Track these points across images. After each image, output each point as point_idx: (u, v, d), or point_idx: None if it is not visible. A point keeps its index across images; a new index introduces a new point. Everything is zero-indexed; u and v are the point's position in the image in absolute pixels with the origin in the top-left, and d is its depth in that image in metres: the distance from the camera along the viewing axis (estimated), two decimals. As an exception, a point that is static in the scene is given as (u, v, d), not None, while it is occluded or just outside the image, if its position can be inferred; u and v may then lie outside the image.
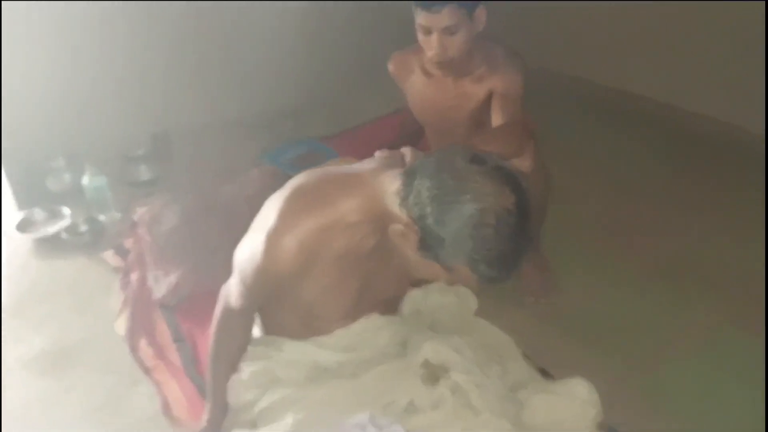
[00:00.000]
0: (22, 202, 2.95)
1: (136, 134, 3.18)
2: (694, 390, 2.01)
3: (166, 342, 2.15)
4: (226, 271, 1.53)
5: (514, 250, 1.26)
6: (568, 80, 3.76)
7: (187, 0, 3.10)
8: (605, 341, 2.15)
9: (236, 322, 1.58)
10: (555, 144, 2.43)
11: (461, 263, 1.27)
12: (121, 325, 2.25)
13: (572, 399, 1.58)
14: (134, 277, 2.40)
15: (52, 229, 2.76)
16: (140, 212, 2.62)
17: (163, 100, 3.18)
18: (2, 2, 2.69)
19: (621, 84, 3.63)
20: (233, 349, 1.62)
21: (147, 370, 2.07)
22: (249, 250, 1.43)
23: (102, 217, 2.80)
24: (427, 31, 2.06)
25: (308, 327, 1.59)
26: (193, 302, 2.23)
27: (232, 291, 1.53)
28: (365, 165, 1.49)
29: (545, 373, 1.81)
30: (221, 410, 1.66)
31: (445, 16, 2.00)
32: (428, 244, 1.28)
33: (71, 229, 2.75)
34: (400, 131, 2.66)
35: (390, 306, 1.71)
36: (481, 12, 2.06)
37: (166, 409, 1.95)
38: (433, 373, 1.55)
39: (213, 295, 1.60)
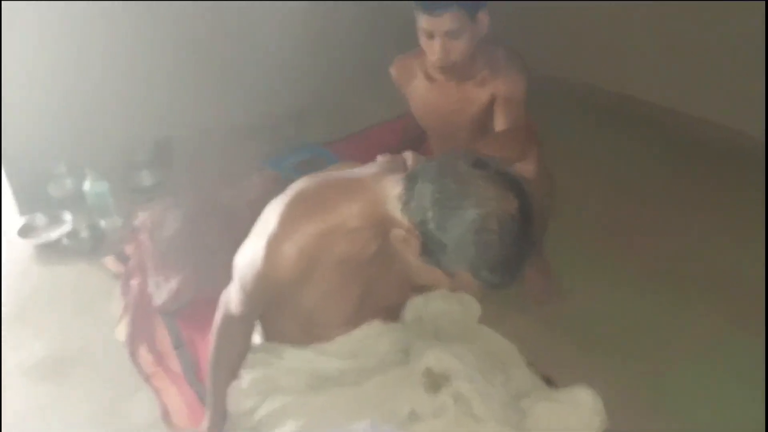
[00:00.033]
0: (24, 208, 2.95)
1: (137, 140, 3.17)
2: (698, 394, 2.00)
3: (167, 348, 2.14)
4: (227, 277, 1.52)
5: (517, 255, 1.25)
6: (568, 84, 3.74)
7: (190, 2, 3.09)
8: (609, 346, 2.14)
9: (236, 328, 1.56)
10: (556, 147, 2.41)
11: (463, 269, 1.26)
12: (121, 332, 2.24)
13: (576, 407, 1.57)
14: (135, 283, 2.38)
15: (53, 234, 2.76)
16: (141, 218, 2.61)
17: (164, 105, 3.17)
18: (2, 5, 2.68)
19: (622, 88, 3.61)
20: (233, 355, 1.61)
21: (147, 377, 2.06)
22: (249, 256, 1.42)
23: (103, 223, 2.79)
24: (430, 35, 2.04)
25: (309, 334, 1.57)
26: (193, 308, 2.22)
27: (232, 297, 1.51)
28: (366, 170, 1.47)
29: (549, 381, 1.80)
30: (221, 417, 1.65)
31: (447, 19, 1.98)
32: (430, 249, 1.27)
33: (72, 234, 2.74)
34: (402, 136, 2.64)
35: (392, 313, 1.69)
36: (483, 16, 2.04)
37: (166, 416, 1.93)
38: (435, 381, 1.54)
39: (214, 301, 1.58)
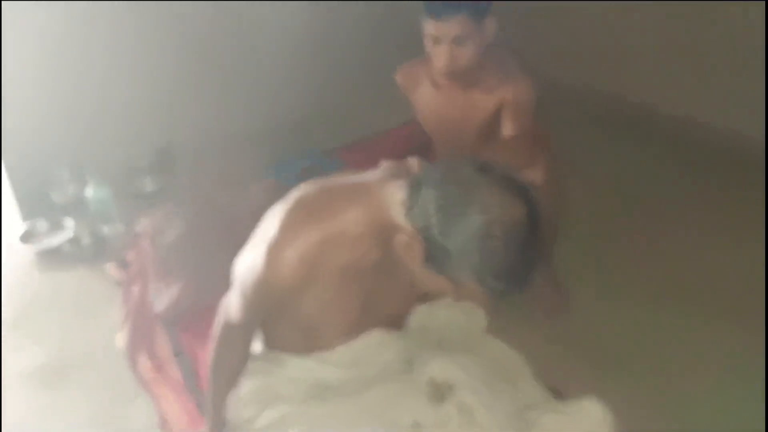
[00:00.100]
0: (26, 213, 2.95)
1: (140, 146, 3.18)
2: (707, 406, 1.98)
3: (166, 356, 2.11)
4: (229, 284, 1.50)
5: (524, 263, 1.22)
6: (570, 88, 3.72)
7: (194, 8, 3.09)
8: (617, 358, 2.13)
9: (236, 336, 1.53)
10: (560, 154, 2.40)
11: (468, 277, 1.23)
12: (122, 339, 2.22)
13: (584, 419, 1.52)
14: (136, 289, 2.36)
15: (55, 240, 2.75)
16: (143, 224, 2.58)
17: (167, 111, 3.18)
18: (3, 8, 2.68)
19: (626, 93, 3.61)
20: (233, 363, 1.57)
21: (146, 385, 2.04)
22: (250, 262, 1.40)
23: (105, 229, 2.78)
24: (437, 41, 2.02)
25: (310, 342, 1.54)
26: (194, 316, 2.19)
27: (232, 304, 1.48)
28: (369, 175, 1.45)
29: (556, 393, 1.76)
30: (220, 426, 1.61)
31: (454, 25, 1.96)
32: (433, 256, 1.24)
33: (74, 241, 2.74)
34: (408, 143, 2.62)
35: (395, 322, 1.66)
36: (490, 22, 2.02)
37: (164, 424, 1.92)
38: (439, 392, 1.50)
39: (215, 308, 1.56)
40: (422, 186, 1.25)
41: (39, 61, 2.88)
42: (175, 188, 3.06)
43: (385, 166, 1.48)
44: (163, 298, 2.26)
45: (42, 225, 2.85)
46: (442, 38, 2.00)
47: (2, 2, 2.69)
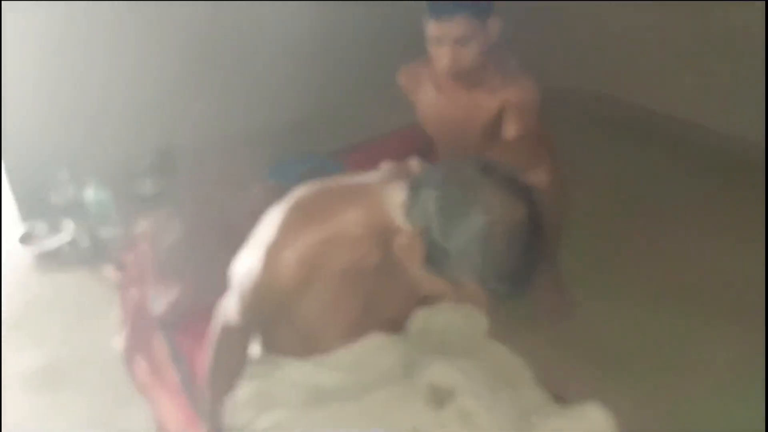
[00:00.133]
0: (25, 215, 2.94)
1: (140, 148, 3.17)
2: (711, 410, 1.96)
3: (164, 359, 2.09)
4: (228, 287, 1.49)
5: (526, 264, 1.20)
6: (573, 93, 3.71)
7: (194, 10, 3.08)
8: (619, 360, 2.11)
9: (234, 339, 1.52)
10: (563, 159, 2.39)
11: (469, 278, 1.21)
12: (119, 341, 2.21)
13: (586, 424, 1.50)
14: (134, 292, 2.35)
15: (54, 243, 2.74)
16: (142, 226, 2.57)
17: (167, 113, 3.18)
18: (3, 10, 2.67)
19: (631, 98, 3.60)
20: (231, 367, 1.56)
21: (143, 388, 2.03)
22: (248, 264, 1.38)
23: (105, 232, 2.77)
24: (439, 42, 2.01)
25: (309, 346, 1.52)
26: (192, 319, 2.17)
27: (230, 307, 1.47)
28: (369, 177, 1.43)
29: (559, 399, 1.74)
30: (217, 430, 1.59)
31: (457, 25, 1.95)
32: (434, 258, 1.22)
33: (73, 243, 2.73)
34: (410, 145, 2.60)
35: (396, 325, 1.64)
36: (493, 22, 2.00)
37: (161, 428, 1.90)
38: (439, 397, 1.48)
39: (213, 311, 1.55)
40: (423, 187, 1.24)
41: (39, 62, 2.88)
42: (174, 190, 3.05)
43: (385, 167, 1.47)
44: (161, 300, 2.25)
45: (41, 227, 2.84)
46: (445, 39, 1.98)
47: (2, 2, 2.68)
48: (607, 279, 2.47)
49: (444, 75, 2.10)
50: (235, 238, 1.60)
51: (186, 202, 2.79)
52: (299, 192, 1.40)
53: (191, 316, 2.17)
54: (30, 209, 2.96)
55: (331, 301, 1.42)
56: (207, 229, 2.46)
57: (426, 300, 1.67)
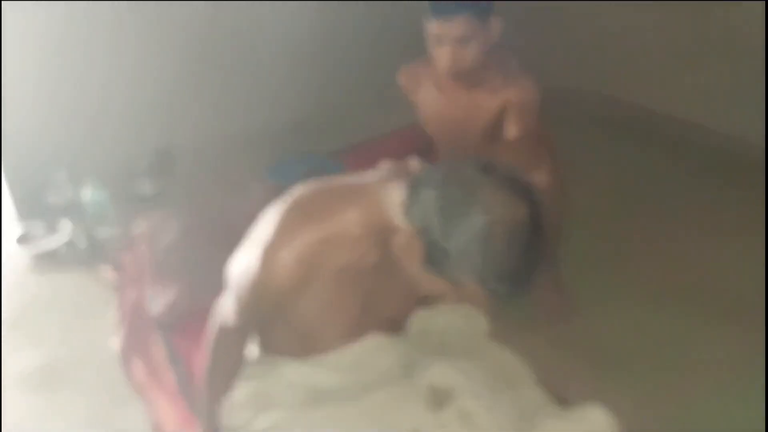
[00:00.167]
0: (23, 216, 2.93)
1: (138, 148, 3.16)
2: (709, 409, 1.96)
3: (161, 360, 2.08)
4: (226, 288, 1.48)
5: (527, 264, 1.19)
6: (567, 91, 3.69)
7: (193, 10, 3.08)
8: (619, 361, 2.10)
9: (231, 339, 1.51)
10: (562, 159, 2.39)
11: (469, 278, 1.20)
12: (117, 342, 2.20)
13: (587, 425, 1.49)
14: (131, 293, 2.34)
15: (51, 243, 2.73)
16: (140, 227, 2.56)
17: (166, 113, 3.18)
18: (3, 9, 2.67)
19: (633, 98, 3.59)
20: (228, 367, 1.54)
21: (140, 389, 2.02)
22: (245, 264, 1.38)
23: (103, 232, 2.77)
24: (440, 42, 2.00)
25: (307, 346, 1.51)
26: (190, 320, 2.16)
27: (226, 307, 1.46)
28: (368, 176, 1.43)
29: (559, 400, 1.73)
30: (215, 431, 1.58)
31: (458, 24, 1.94)
32: (433, 257, 1.21)
33: (71, 243, 2.72)
34: (410, 146, 2.59)
35: (394, 325, 1.63)
36: (494, 21, 2.00)
37: (158, 429, 1.89)
38: (439, 398, 1.47)
39: (211, 312, 1.54)
40: (422, 186, 1.23)
41: (38, 62, 2.87)
42: (173, 191, 3.04)
43: (384, 166, 1.46)
44: (159, 301, 2.24)
45: (39, 227, 2.83)
46: (446, 38, 1.98)
47: (2, 2, 2.68)
48: (607, 279, 2.46)
49: (444, 75, 2.09)
50: (233, 239, 1.59)
51: (185, 202, 2.78)
52: (297, 191, 1.40)
53: (189, 317, 2.16)
54: (28, 209, 2.95)
55: (330, 300, 1.41)
56: (205, 230, 2.45)
57: (425, 301, 1.66)
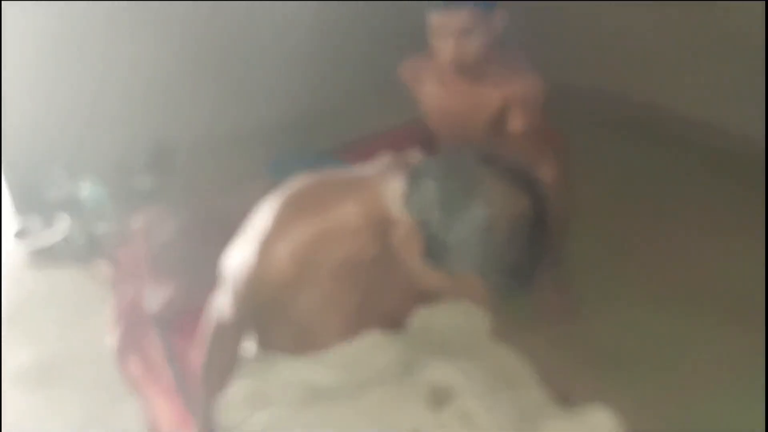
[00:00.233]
0: (21, 211, 2.93)
1: (137, 144, 3.16)
2: (710, 409, 1.94)
3: (157, 357, 2.06)
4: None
5: (529, 258, 1.16)
6: (569, 89, 3.66)
7: (193, 6, 3.06)
8: (624, 365, 2.08)
9: (227, 335, 1.48)
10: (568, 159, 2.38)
11: (470, 271, 1.17)
12: (112, 339, 2.18)
13: (590, 426, 1.47)
14: (128, 289, 2.32)
15: (49, 239, 2.72)
16: (138, 223, 2.55)
17: (164, 111, 3.18)
18: (2, 7, 2.66)
19: (636, 96, 3.57)
20: (224, 363, 1.52)
21: (136, 386, 2.00)
22: (241, 258, 1.35)
23: (100, 228, 2.76)
24: (443, 34, 1.97)
25: (304, 342, 1.48)
26: (187, 317, 2.15)
27: (222, 302, 1.44)
28: (367, 168, 1.41)
29: (562, 400, 1.70)
30: (210, 429, 1.55)
31: (461, 17, 1.91)
32: (433, 250, 1.19)
33: (69, 239, 2.71)
34: (411, 144, 2.56)
35: (394, 322, 1.60)
36: (498, 14, 1.96)
37: (154, 426, 1.86)
38: (439, 397, 1.44)
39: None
40: (422, 177, 1.22)
41: (36, 59, 2.88)
42: (172, 187, 3.04)
43: (383, 159, 1.43)
44: (156, 298, 2.22)
45: (36, 223, 2.83)
46: (449, 30, 1.95)
47: (2, 2, 2.67)
48: (608, 278, 2.44)
49: (447, 68, 2.06)
50: (231, 236, 1.57)
51: (182, 199, 2.77)
52: (295, 184, 1.38)
53: (186, 314, 2.15)
54: (26, 205, 2.95)
55: (327, 295, 1.39)
56: (203, 226, 2.44)
57: (425, 297, 1.63)
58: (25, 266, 2.69)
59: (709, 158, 3.15)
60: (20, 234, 2.77)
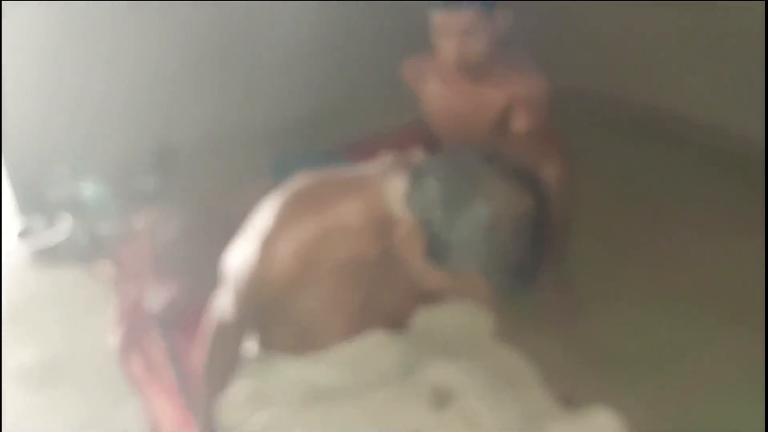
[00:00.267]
0: (24, 211, 2.93)
1: (141, 144, 3.16)
2: (710, 409, 1.93)
3: (159, 357, 2.06)
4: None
5: (532, 257, 1.16)
6: (571, 91, 3.66)
7: (197, 6, 3.06)
8: (627, 366, 2.07)
9: (229, 335, 1.47)
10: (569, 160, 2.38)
11: (473, 270, 1.17)
12: (115, 338, 2.18)
13: (593, 427, 1.46)
14: (131, 289, 2.32)
15: (52, 239, 2.73)
16: (141, 223, 2.55)
17: (167, 111, 3.18)
18: (3, 6, 2.67)
19: (640, 98, 3.58)
20: (226, 363, 1.51)
21: (138, 386, 1.99)
22: (242, 257, 1.34)
23: (103, 228, 2.76)
24: (446, 33, 1.96)
25: (305, 342, 1.48)
26: (189, 317, 2.14)
27: (224, 302, 1.43)
28: (369, 168, 1.40)
29: (565, 401, 1.69)
30: (211, 428, 1.55)
31: (464, 16, 1.91)
32: (436, 250, 1.18)
33: (72, 239, 2.71)
34: (414, 144, 2.56)
35: (396, 322, 1.59)
36: (501, 13, 1.96)
37: (156, 426, 1.86)
38: (442, 398, 1.44)
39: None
40: (424, 176, 1.21)
41: (39, 59, 2.88)
42: (175, 187, 3.04)
43: (385, 158, 1.43)
44: (158, 298, 2.22)
45: (39, 223, 2.83)
46: (452, 30, 1.94)
47: (2, 2, 2.67)
48: (610, 279, 2.44)
49: (450, 67, 2.06)
50: (233, 236, 1.57)
51: (185, 199, 2.77)
52: (297, 183, 1.38)
53: (188, 314, 2.14)
54: (29, 205, 2.95)
55: (329, 295, 1.38)
56: (206, 227, 2.43)
57: (428, 297, 1.62)
58: (28, 266, 2.70)
59: (709, 159, 3.14)
60: (23, 234, 2.78)
